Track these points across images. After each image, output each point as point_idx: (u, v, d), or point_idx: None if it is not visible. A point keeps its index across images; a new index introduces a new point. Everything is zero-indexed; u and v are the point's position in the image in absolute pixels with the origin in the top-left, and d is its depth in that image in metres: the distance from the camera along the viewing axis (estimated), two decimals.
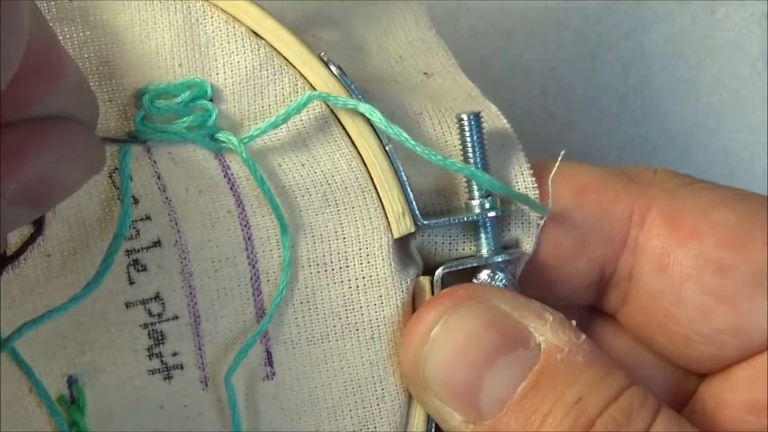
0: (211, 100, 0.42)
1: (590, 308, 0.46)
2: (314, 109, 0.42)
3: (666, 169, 0.46)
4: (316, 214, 0.42)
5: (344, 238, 0.43)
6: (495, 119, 0.44)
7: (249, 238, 0.42)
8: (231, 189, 0.42)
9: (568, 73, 0.63)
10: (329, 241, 0.43)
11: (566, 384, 0.40)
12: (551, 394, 0.40)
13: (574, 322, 0.41)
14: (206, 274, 0.42)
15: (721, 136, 0.62)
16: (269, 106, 0.42)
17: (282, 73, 0.42)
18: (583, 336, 0.41)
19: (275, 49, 0.42)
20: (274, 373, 0.43)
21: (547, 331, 0.40)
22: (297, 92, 0.42)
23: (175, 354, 0.42)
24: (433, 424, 0.43)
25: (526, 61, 0.49)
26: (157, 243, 0.42)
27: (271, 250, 0.42)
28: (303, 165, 0.42)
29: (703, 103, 0.62)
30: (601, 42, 0.61)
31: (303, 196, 0.42)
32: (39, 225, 0.42)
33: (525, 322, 0.41)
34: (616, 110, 0.63)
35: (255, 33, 0.42)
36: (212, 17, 0.42)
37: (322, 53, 0.43)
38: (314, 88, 0.42)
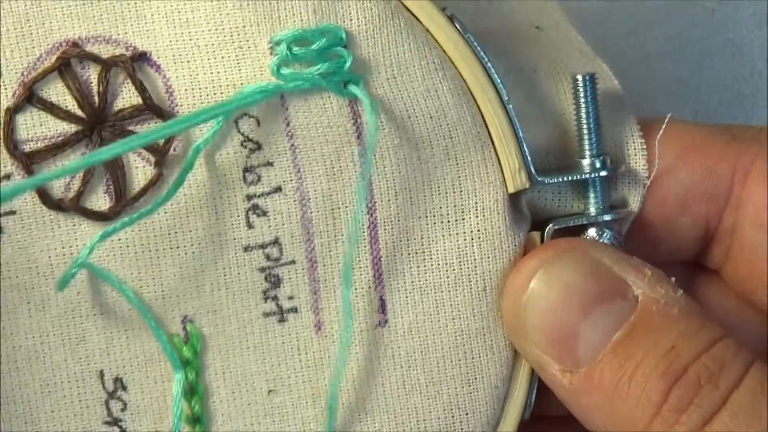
0: (345, 47, 0.42)
1: (696, 265, 0.48)
2: (446, 61, 0.43)
3: None
4: (436, 168, 0.43)
5: (461, 191, 0.44)
6: (606, 79, 0.46)
7: (369, 187, 0.43)
8: (358, 138, 0.43)
9: None
10: (446, 194, 0.44)
11: (661, 333, 0.41)
12: (645, 342, 0.41)
13: (673, 279, 0.42)
14: (325, 221, 0.43)
15: None
16: (404, 53, 0.43)
17: (413, 24, 0.43)
18: (680, 291, 0.42)
19: (402, 3, 0.43)
20: (386, 321, 0.44)
21: (645, 284, 0.42)
22: (429, 44, 0.43)
23: (290, 297, 0.43)
24: (537, 378, 0.44)
25: None
26: (278, 189, 0.43)
27: (389, 201, 0.43)
28: (431, 117, 0.43)
29: (703, 103, 0.62)
30: (601, 42, 0.62)
31: (425, 149, 0.43)
32: (160, 168, 0.43)
33: (624, 275, 0.42)
34: None
35: None
36: None
37: (446, 8, 0.43)
38: (438, 43, 0.43)
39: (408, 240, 0.43)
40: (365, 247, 0.43)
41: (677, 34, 0.60)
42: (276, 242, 0.43)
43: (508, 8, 0.47)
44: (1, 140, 0.42)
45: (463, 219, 0.44)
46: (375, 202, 0.43)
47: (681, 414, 0.39)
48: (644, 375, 0.40)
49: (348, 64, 0.42)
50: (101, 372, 0.43)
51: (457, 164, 0.43)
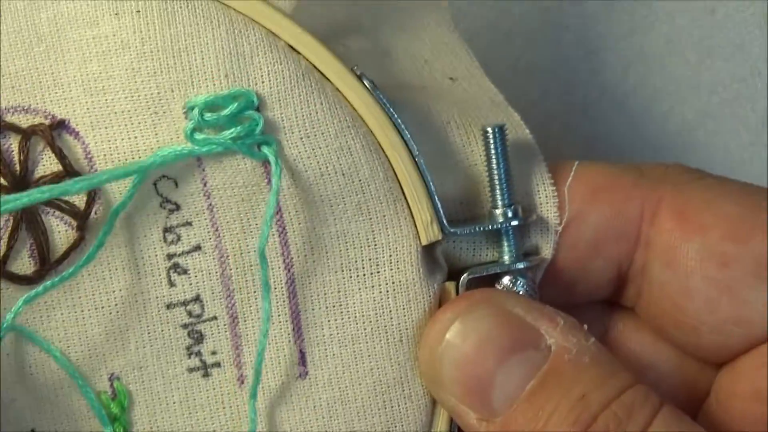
0: (257, 109, 0.44)
1: (611, 304, 0.49)
2: (357, 119, 0.44)
3: (678, 164, 0.48)
4: (350, 223, 0.45)
5: (375, 245, 0.45)
6: (517, 128, 0.47)
7: (285, 244, 0.44)
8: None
9: (568, 74, 0.64)
10: (361, 248, 0.45)
11: (572, 382, 0.42)
12: (557, 391, 0.42)
13: (585, 327, 0.44)
14: (244, 277, 0.44)
15: (721, 136, 0.63)
16: (315, 113, 0.44)
17: (324, 84, 0.44)
18: (592, 339, 0.43)
19: (312, 64, 0.44)
20: (307, 372, 0.45)
21: (557, 333, 0.43)
22: (340, 103, 0.44)
23: (214, 353, 0.45)
24: (456, 427, 0.46)
25: (526, 62, 0.50)
26: (198, 247, 0.44)
27: (305, 256, 0.45)
28: (344, 174, 0.44)
29: (703, 103, 0.63)
30: (601, 42, 0.62)
31: (339, 205, 0.44)
32: (82, 231, 0.44)
33: (537, 324, 0.43)
34: (616, 110, 0.64)
35: (293, 48, 0.44)
36: (254, 29, 0.44)
37: (355, 67, 0.45)
38: (348, 101, 0.44)
39: (325, 293, 0.45)
40: (284, 301, 0.45)
41: (677, 34, 0.61)
42: (197, 299, 0.44)
43: (422, 60, 0.49)
44: None
45: (378, 272, 0.45)
46: (292, 258, 0.44)
47: None
48: (557, 424, 0.41)
49: (260, 126, 0.44)
50: (32, 431, 0.44)
51: (371, 219, 0.45)
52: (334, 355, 0.45)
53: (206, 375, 0.45)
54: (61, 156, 0.44)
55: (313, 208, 0.44)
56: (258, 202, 0.44)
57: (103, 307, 0.44)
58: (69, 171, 0.44)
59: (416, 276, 0.45)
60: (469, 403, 0.43)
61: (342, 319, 0.45)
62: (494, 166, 0.46)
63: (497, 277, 0.46)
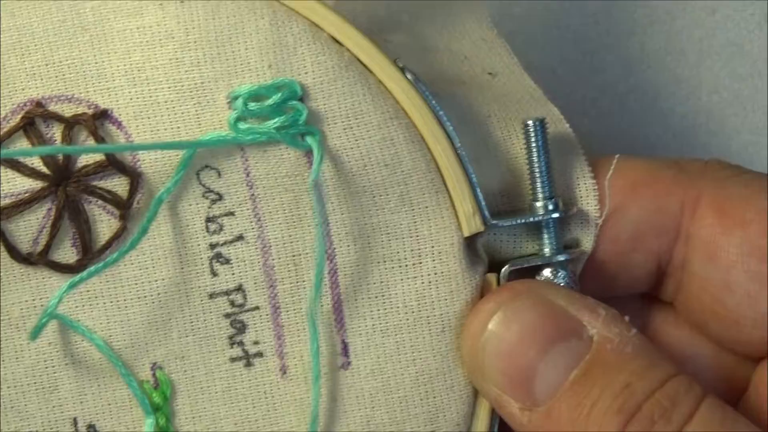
0: (301, 100, 0.44)
1: (650, 297, 0.49)
2: (400, 111, 0.44)
3: (716, 159, 0.48)
4: (393, 214, 0.45)
5: (418, 236, 0.45)
6: (557, 122, 0.47)
7: (328, 235, 0.44)
8: (315, 186, 0.44)
9: (568, 74, 0.63)
10: (404, 239, 0.45)
11: (615, 372, 0.42)
12: (601, 380, 0.42)
13: (627, 318, 0.44)
14: (286, 267, 0.45)
15: (721, 136, 0.63)
16: (359, 104, 0.44)
17: (367, 75, 0.44)
18: (634, 330, 0.43)
19: (355, 56, 0.44)
20: (349, 363, 0.45)
21: (599, 324, 0.43)
22: (382, 94, 0.44)
23: (256, 342, 0.45)
24: (497, 417, 0.46)
25: (526, 62, 0.50)
26: (240, 237, 0.44)
27: (348, 246, 0.45)
28: (386, 165, 0.44)
29: (703, 103, 0.62)
30: (601, 42, 0.62)
31: (382, 196, 0.44)
32: (124, 220, 0.44)
33: (579, 315, 0.43)
34: (616, 110, 0.63)
35: (335, 40, 0.44)
36: (296, 21, 0.44)
37: (398, 59, 0.45)
38: (391, 93, 0.45)
39: (368, 284, 0.45)
40: (327, 292, 0.45)
41: (677, 34, 0.61)
42: (240, 289, 0.44)
43: (461, 57, 0.49)
44: None
45: (421, 263, 0.45)
46: (334, 249, 0.45)
47: None
48: (600, 412, 0.42)
49: (303, 117, 0.44)
50: (74, 419, 0.44)
51: (413, 210, 0.45)
52: (376, 345, 0.45)
53: (249, 365, 0.45)
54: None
55: (355, 198, 0.45)
56: (301, 193, 0.44)
57: (145, 297, 0.44)
58: (111, 161, 0.44)
59: (458, 267, 0.45)
60: (511, 393, 0.43)
61: (384, 309, 0.45)
62: (535, 158, 0.46)
63: (538, 269, 0.46)
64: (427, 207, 0.45)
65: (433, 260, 0.45)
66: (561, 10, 0.63)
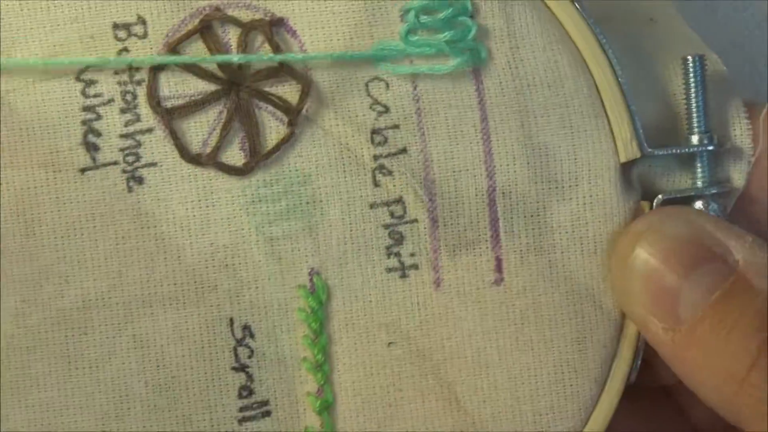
0: (471, 17, 0.45)
1: None
2: (564, 34, 0.45)
3: None
4: (553, 135, 0.46)
5: (576, 159, 0.46)
6: (715, 64, 0.48)
7: (489, 152, 0.45)
8: (479, 103, 0.45)
9: None
10: (562, 161, 0.46)
11: (758, 293, 0.43)
12: (743, 299, 0.43)
13: None
14: (447, 182, 0.45)
15: None
16: (526, 25, 0.45)
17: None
18: None
19: None
20: (502, 279, 0.46)
21: (745, 249, 0.44)
22: (549, 19, 0.45)
23: (412, 254, 0.46)
24: (643, 342, 0.46)
25: None
26: (404, 150, 0.45)
27: (508, 165, 0.46)
28: (549, 86, 0.45)
29: None
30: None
31: (543, 117, 0.45)
32: (293, 126, 0.45)
33: (725, 240, 0.44)
34: None
35: None
36: None
37: None
38: (558, 18, 0.46)
39: (524, 203, 0.46)
40: (484, 209, 0.46)
41: None
42: (400, 201, 0.45)
43: (624, 3, 0.50)
44: (146, 96, 0.44)
45: (577, 185, 0.46)
46: (494, 167, 0.46)
47: None
48: (741, 330, 0.42)
49: (473, 32, 0.45)
50: (231, 320, 0.45)
51: (573, 133, 0.46)
52: (530, 263, 0.46)
53: (404, 276, 0.46)
54: (278, 51, 0.45)
55: (517, 118, 0.46)
56: (465, 109, 0.45)
57: (307, 203, 0.45)
58: (285, 67, 0.45)
59: (614, 191, 0.46)
60: (656, 313, 0.44)
61: (539, 228, 0.46)
62: (693, 92, 0.47)
63: (690, 200, 0.47)
64: (586, 130, 0.46)
65: (590, 183, 0.46)
66: None
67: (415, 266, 0.46)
